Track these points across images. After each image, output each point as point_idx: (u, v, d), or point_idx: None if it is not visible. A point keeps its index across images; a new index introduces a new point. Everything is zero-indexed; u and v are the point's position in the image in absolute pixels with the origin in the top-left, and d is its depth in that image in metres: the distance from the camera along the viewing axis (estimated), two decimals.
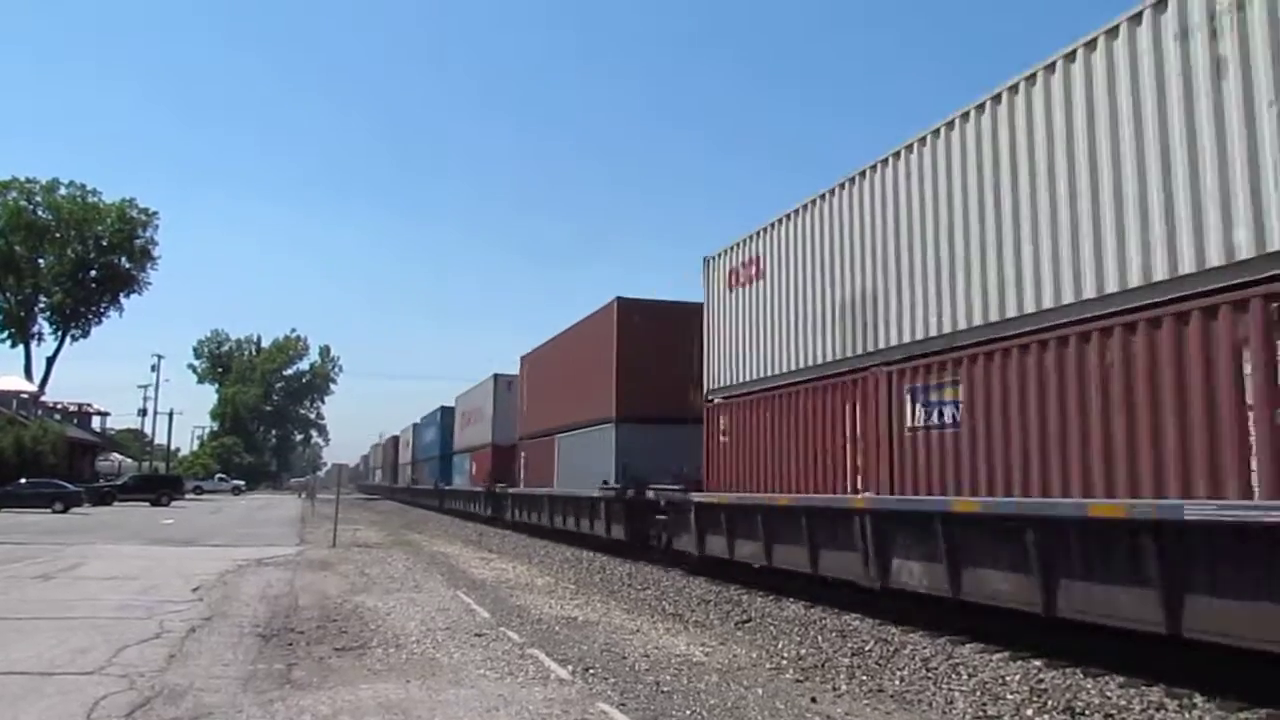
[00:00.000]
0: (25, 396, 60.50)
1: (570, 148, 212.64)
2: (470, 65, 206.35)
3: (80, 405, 74.36)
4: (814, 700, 7.51)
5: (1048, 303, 9.30)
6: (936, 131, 11.08)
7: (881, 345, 11.91)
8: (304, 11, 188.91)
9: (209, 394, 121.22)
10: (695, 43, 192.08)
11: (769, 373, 14.76)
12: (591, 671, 8.31)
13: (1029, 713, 7.30)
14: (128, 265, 72.91)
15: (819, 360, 13.32)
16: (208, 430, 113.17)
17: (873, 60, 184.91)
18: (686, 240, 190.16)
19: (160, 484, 56.36)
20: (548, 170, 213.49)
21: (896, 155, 11.82)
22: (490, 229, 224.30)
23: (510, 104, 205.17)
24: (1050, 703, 7.54)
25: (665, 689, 7.70)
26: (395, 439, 75.18)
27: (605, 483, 21.14)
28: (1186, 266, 7.84)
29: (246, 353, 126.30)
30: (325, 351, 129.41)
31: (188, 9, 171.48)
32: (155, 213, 73.61)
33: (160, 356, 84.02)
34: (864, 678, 8.45)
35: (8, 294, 69.55)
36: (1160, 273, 8.09)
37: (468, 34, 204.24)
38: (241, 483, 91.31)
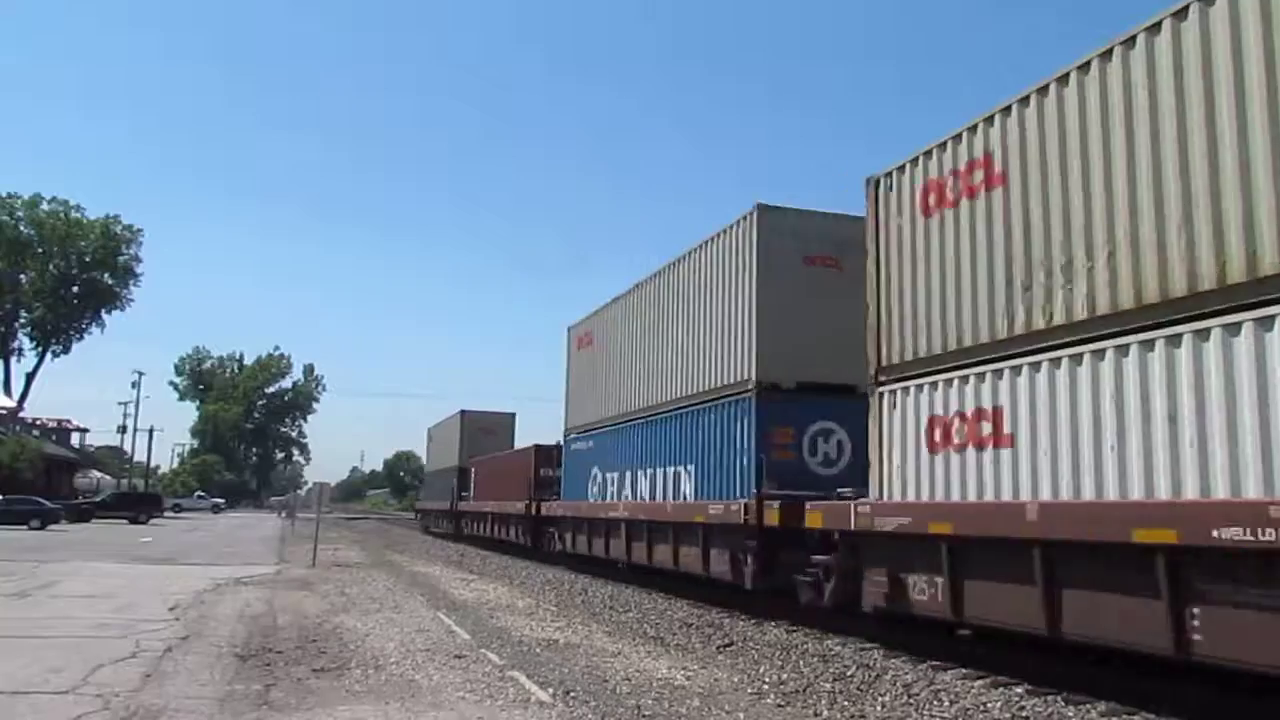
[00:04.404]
0: (3, 412, 59.89)
1: (564, 158, 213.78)
2: (460, 82, 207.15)
3: (60, 421, 73.88)
4: None
5: None
6: None
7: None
8: (287, 35, 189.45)
9: (189, 411, 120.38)
10: (691, 52, 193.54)
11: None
12: (572, 695, 8.24)
13: None
14: (110, 281, 72.49)
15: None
16: (188, 448, 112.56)
17: (871, 81, 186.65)
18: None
19: (139, 501, 55.74)
20: (541, 182, 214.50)
21: None
22: (482, 244, 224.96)
23: (500, 114, 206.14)
24: None
25: (646, 713, 7.66)
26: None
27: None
28: None
29: (229, 370, 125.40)
30: (309, 370, 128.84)
31: (161, 36, 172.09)
32: (139, 230, 73.47)
33: (141, 373, 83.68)
34: (845, 703, 8.41)
35: None
36: None
37: (458, 44, 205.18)
38: (221, 501, 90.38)
